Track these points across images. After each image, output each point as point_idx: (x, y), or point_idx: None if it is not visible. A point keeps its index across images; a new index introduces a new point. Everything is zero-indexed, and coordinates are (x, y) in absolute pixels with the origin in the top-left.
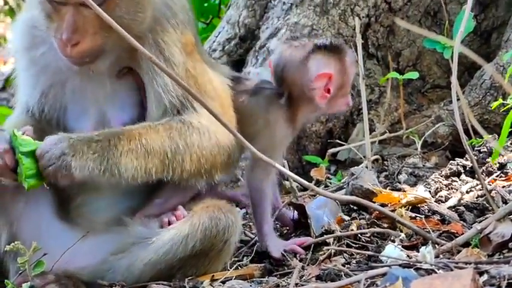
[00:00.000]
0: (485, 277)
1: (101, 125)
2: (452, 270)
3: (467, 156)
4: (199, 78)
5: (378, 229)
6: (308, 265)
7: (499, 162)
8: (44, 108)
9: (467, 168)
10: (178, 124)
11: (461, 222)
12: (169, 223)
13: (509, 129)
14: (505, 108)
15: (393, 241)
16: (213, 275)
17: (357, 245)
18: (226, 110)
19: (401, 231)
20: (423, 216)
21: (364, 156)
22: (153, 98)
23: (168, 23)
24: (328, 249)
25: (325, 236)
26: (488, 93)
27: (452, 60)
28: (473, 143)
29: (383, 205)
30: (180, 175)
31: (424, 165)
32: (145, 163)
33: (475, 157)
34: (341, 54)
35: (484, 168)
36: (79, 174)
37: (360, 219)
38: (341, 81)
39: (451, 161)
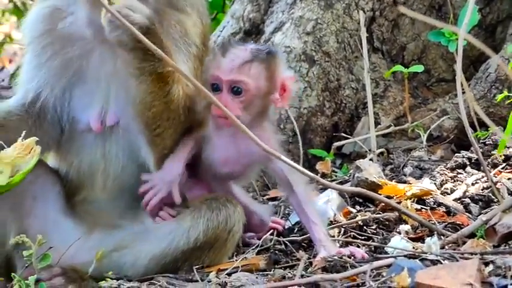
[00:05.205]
0: (490, 267)
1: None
2: (457, 260)
3: (472, 148)
4: None
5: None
6: (314, 256)
7: (504, 155)
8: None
9: (473, 161)
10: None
11: (467, 213)
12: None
13: None
14: (510, 101)
15: (399, 232)
16: (219, 268)
17: (363, 237)
18: None
19: (407, 223)
20: (429, 208)
21: (369, 150)
22: None
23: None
24: (334, 241)
25: (330, 226)
26: (493, 86)
27: (457, 53)
28: (478, 136)
29: (388, 197)
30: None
31: (429, 158)
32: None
33: (480, 149)
34: None
35: (489, 160)
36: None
37: (365, 211)
38: None
39: (456, 154)
